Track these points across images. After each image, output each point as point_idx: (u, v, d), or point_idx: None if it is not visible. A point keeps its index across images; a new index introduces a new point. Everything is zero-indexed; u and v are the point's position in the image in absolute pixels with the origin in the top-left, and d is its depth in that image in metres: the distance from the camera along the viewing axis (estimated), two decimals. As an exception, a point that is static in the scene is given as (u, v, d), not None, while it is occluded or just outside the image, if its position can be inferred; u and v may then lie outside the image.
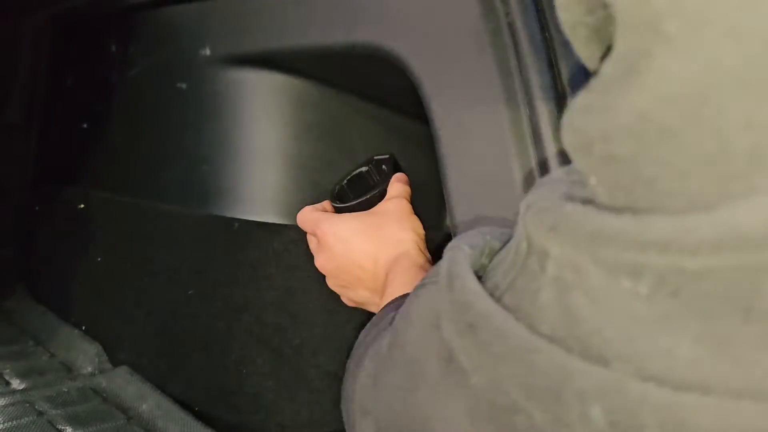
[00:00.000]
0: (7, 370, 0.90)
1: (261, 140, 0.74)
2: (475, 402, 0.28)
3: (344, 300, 0.69)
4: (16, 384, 0.87)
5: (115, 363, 0.92)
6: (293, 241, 0.73)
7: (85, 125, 0.97)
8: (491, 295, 0.29)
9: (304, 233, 0.70)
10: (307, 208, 0.68)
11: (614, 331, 0.23)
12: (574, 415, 0.24)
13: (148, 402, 0.82)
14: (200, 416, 0.79)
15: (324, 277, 0.68)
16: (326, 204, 0.71)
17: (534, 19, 0.48)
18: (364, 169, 0.73)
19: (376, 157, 0.73)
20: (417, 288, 0.36)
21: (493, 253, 0.34)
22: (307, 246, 0.71)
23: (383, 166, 0.72)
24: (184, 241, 0.82)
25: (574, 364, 0.24)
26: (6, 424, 0.77)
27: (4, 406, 0.80)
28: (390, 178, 0.70)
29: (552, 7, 0.46)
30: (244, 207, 0.75)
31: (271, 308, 0.75)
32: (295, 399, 0.75)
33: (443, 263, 0.33)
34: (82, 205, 0.97)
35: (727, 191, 0.21)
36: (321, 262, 0.66)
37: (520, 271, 0.27)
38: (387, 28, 0.57)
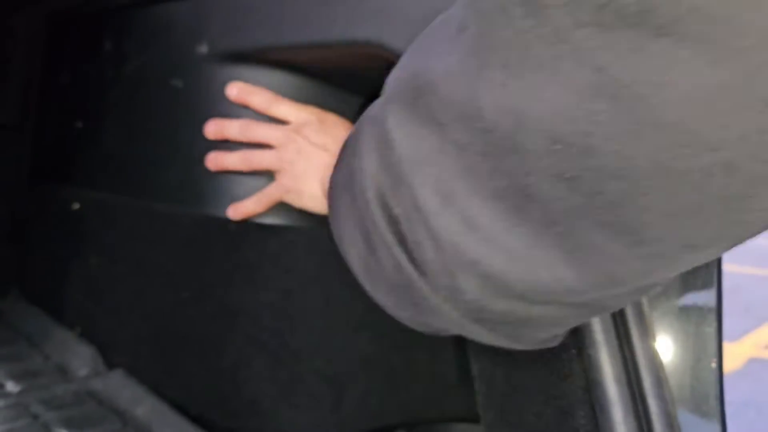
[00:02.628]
0: (2, 373, 0.89)
1: (258, 139, 0.73)
2: None
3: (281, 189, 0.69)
4: (11, 387, 0.86)
5: (111, 366, 0.91)
6: (290, 243, 0.72)
7: (79, 124, 0.97)
8: None
9: (302, 234, 0.69)
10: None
11: None
12: None
13: (144, 406, 0.82)
14: (196, 421, 0.78)
15: (322, 278, 0.67)
16: None
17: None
18: None
19: None
20: None
21: None
22: (306, 247, 0.70)
23: None
24: (180, 243, 0.81)
25: None
26: (1, 428, 0.76)
27: (-1, 410, 0.79)
28: None
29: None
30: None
31: (268, 311, 0.74)
32: (292, 403, 0.74)
33: None
34: (77, 206, 0.96)
35: None
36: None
37: None
38: (388, 25, 0.56)
